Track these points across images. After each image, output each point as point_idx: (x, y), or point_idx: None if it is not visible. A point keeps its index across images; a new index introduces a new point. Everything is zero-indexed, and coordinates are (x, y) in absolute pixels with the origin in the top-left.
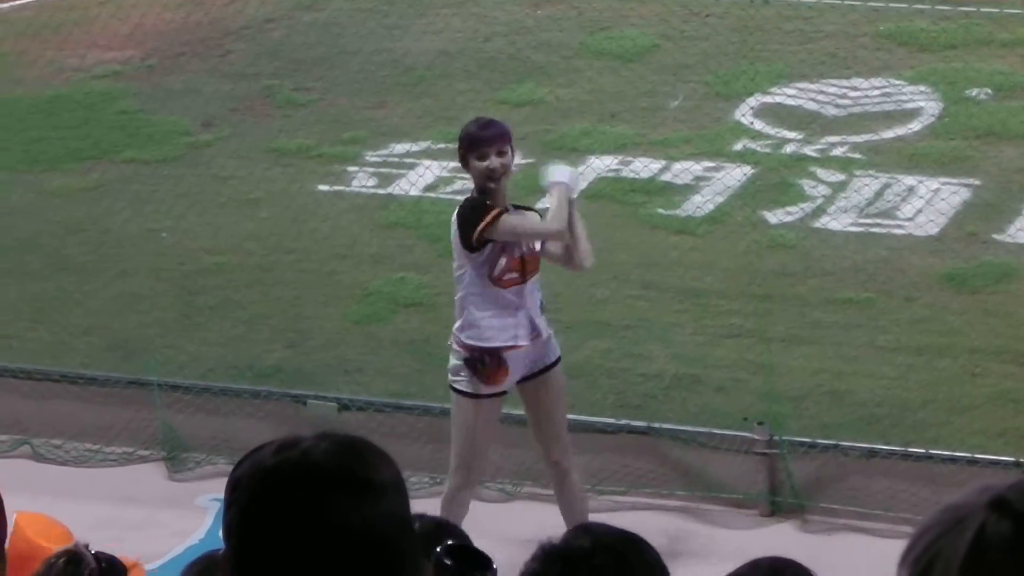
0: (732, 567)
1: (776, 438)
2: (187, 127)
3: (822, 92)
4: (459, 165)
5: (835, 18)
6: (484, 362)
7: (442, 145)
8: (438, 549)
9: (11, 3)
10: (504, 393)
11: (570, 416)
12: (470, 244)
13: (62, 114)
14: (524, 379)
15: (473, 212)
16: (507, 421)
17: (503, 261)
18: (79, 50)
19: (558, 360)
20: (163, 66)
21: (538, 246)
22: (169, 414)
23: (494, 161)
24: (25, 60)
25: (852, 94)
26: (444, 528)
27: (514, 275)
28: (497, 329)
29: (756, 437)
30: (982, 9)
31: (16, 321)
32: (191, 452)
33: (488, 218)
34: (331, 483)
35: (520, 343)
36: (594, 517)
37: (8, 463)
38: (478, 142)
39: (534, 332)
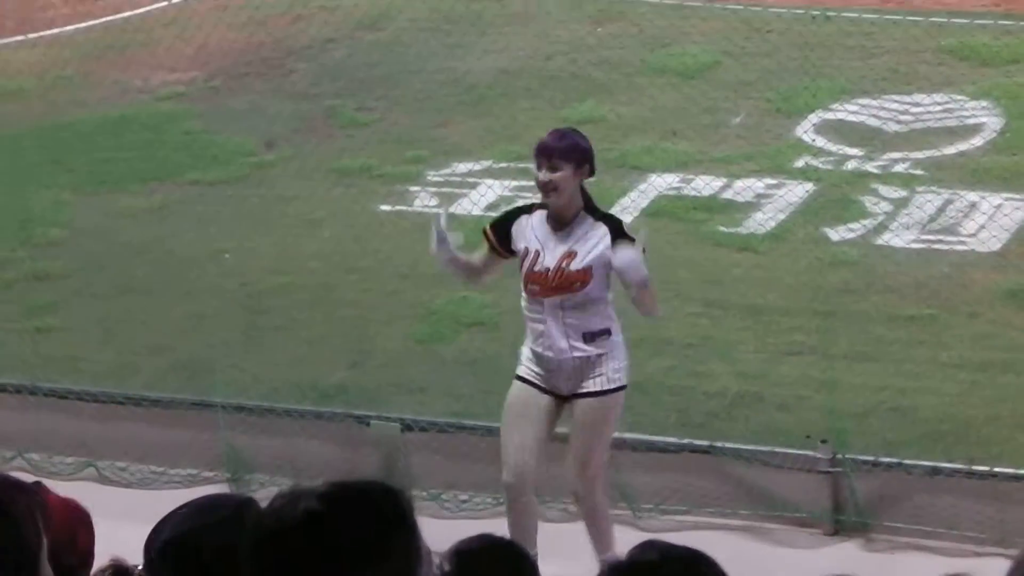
0: None
1: (839, 456)
2: (250, 147)
3: (883, 108)
4: (521, 184)
5: (896, 33)
6: None
7: (504, 164)
8: None
9: (76, 25)
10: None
11: (632, 435)
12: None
13: (127, 135)
14: (566, 397)
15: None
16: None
17: (523, 268)
18: (144, 71)
19: (596, 393)
20: (227, 87)
21: (551, 264)
22: (233, 435)
23: (543, 174)
24: (91, 81)
25: (914, 110)
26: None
27: (534, 287)
28: (528, 327)
29: (819, 456)
30: None
31: (83, 343)
32: (255, 473)
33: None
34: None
35: (542, 351)
36: (657, 537)
37: (73, 485)
38: (536, 152)
39: (558, 350)
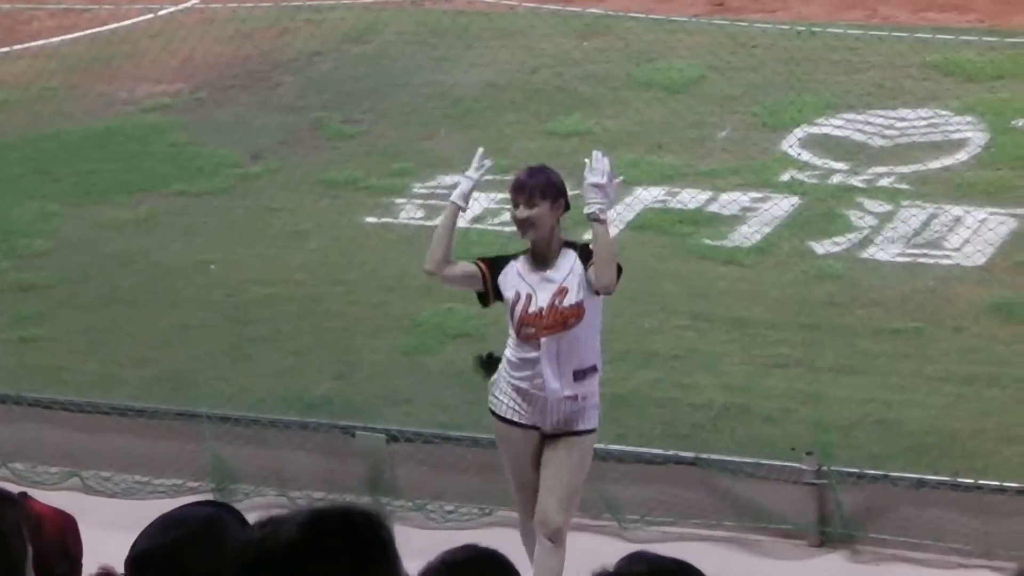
0: None
1: (825, 468)
2: (237, 159)
3: (869, 123)
4: (507, 196)
5: (881, 49)
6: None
7: (489, 177)
8: None
9: (62, 37)
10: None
11: (619, 446)
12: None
13: (112, 147)
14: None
15: None
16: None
17: (514, 314)
18: (129, 83)
19: (582, 432)
20: (213, 99)
21: (544, 303)
22: (218, 446)
23: (521, 212)
24: (76, 93)
25: (899, 124)
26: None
27: (529, 330)
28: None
29: (805, 467)
30: None
31: (68, 353)
32: (240, 484)
33: None
34: None
35: (533, 391)
36: (644, 548)
37: (58, 495)
38: (512, 190)
39: (551, 390)
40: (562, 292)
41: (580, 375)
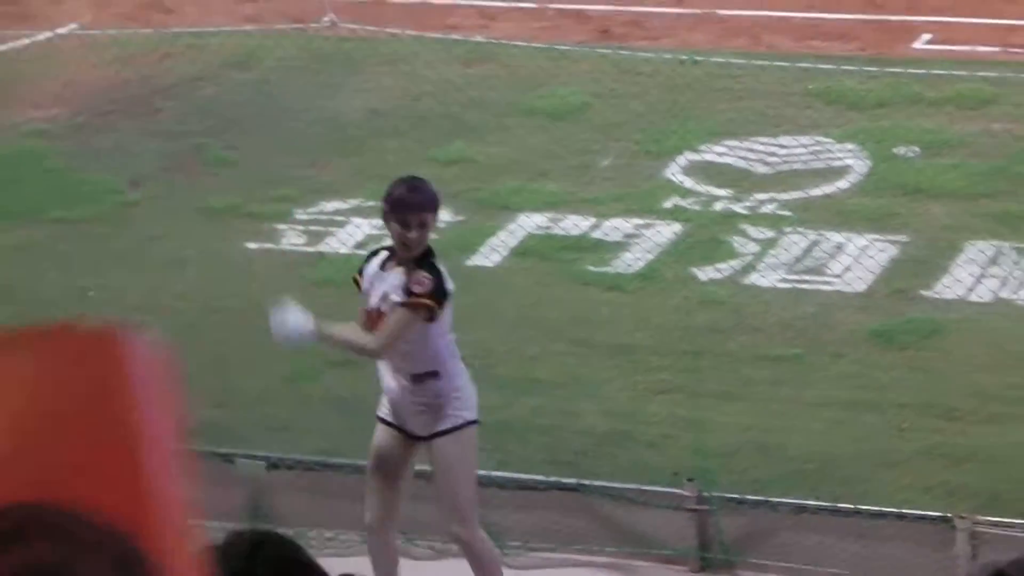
0: None
1: (705, 494)
2: (116, 186)
3: (751, 150)
4: None
5: (764, 78)
6: None
7: (372, 203)
8: None
9: None
10: (394, 428)
11: (501, 473)
12: None
13: None
14: (422, 437)
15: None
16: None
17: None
18: (7, 108)
19: (444, 433)
20: (92, 124)
21: (380, 305)
22: None
23: (412, 233)
24: None
25: (781, 152)
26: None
27: (368, 325)
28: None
29: (686, 493)
30: (909, 70)
31: None
32: None
33: None
34: None
35: (384, 389)
36: (527, 575)
37: None
38: (402, 207)
39: (390, 389)
40: (386, 298)
41: (418, 379)
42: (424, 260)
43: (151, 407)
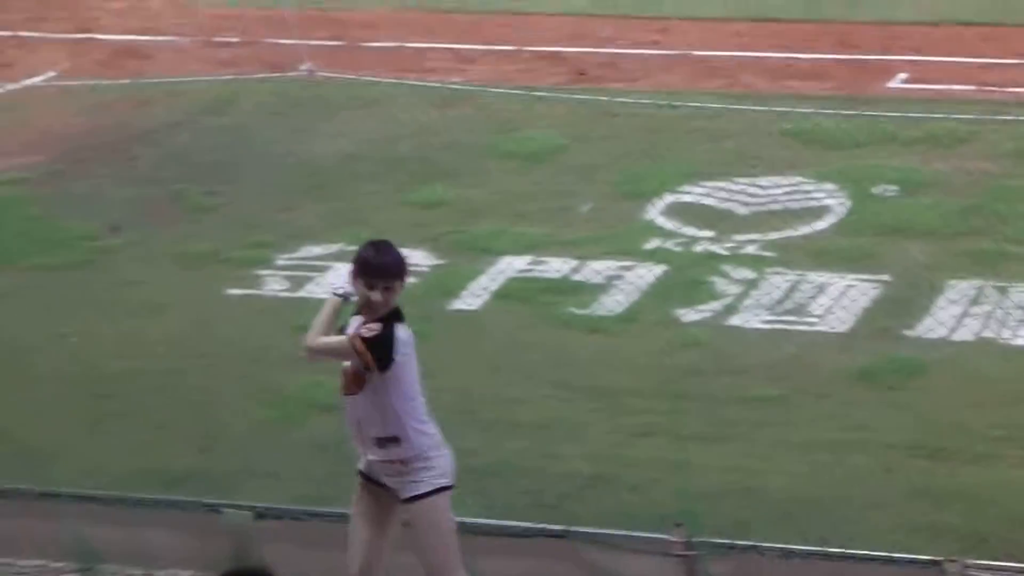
0: None
1: (694, 540)
2: (94, 232)
3: (730, 191)
4: None
5: (741, 119)
6: None
7: (354, 247)
8: None
9: None
10: (373, 483)
11: (486, 520)
12: None
13: None
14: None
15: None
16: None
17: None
18: None
19: (415, 498)
20: (70, 171)
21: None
22: (80, 525)
23: (376, 296)
24: None
25: (761, 193)
26: None
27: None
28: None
29: (674, 539)
30: (885, 113)
31: None
32: (107, 563)
33: None
34: None
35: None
36: None
37: None
38: (369, 271)
39: (360, 450)
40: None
41: (381, 443)
42: (389, 319)
43: None
